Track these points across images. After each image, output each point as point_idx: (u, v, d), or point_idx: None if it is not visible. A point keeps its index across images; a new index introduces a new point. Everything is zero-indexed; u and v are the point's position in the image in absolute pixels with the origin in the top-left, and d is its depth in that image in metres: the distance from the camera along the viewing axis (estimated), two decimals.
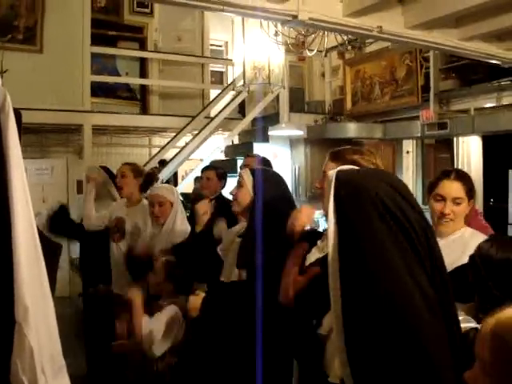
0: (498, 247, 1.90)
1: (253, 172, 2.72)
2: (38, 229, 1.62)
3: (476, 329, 1.71)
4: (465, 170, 7.79)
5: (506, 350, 1.00)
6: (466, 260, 2.03)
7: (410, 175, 8.84)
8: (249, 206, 2.64)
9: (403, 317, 1.37)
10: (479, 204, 7.83)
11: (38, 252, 1.64)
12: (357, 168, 1.71)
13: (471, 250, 2.25)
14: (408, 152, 8.94)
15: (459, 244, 2.27)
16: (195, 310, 2.62)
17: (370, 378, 1.38)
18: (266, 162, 4.98)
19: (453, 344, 1.42)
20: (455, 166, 7.89)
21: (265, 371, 2.17)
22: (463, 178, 2.51)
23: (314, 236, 2.27)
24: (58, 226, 4.52)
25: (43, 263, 1.64)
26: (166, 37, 9.60)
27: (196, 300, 2.67)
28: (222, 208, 4.76)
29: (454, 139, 7.91)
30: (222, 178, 5.10)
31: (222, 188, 5.11)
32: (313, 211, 2.32)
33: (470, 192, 2.48)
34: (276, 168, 5.20)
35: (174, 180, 8.37)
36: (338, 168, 1.60)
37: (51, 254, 1.70)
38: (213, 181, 5.04)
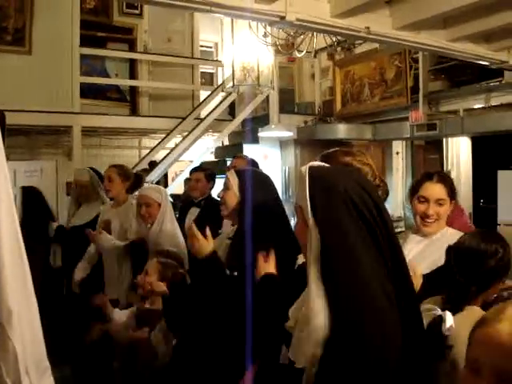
0: (470, 237, 2.04)
1: (238, 173, 2.71)
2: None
3: (440, 316, 1.83)
4: (454, 170, 7.85)
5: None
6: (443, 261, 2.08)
7: (399, 176, 8.88)
8: (236, 208, 2.63)
9: (361, 303, 1.44)
10: (469, 205, 7.87)
11: (21, 253, 1.63)
12: (327, 165, 1.76)
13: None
14: (397, 153, 8.97)
15: (441, 243, 2.31)
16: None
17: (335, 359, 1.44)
18: (253, 164, 4.98)
19: (407, 329, 1.47)
20: (444, 167, 7.94)
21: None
22: (445, 180, 2.61)
23: None
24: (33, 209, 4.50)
25: (27, 265, 1.63)
26: (156, 38, 9.59)
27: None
28: (210, 210, 4.77)
29: (444, 140, 7.95)
30: (211, 179, 5.10)
31: (211, 189, 5.11)
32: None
33: (452, 193, 2.58)
34: (266, 169, 5.20)
35: (164, 181, 8.36)
36: (309, 164, 1.65)
37: (34, 255, 1.69)
38: (201, 182, 5.04)
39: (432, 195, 2.53)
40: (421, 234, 2.57)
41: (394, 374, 1.41)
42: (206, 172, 5.12)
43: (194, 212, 5.00)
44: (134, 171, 6.89)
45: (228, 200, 2.67)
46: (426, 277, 2.17)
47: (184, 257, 3.59)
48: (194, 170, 5.30)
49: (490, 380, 1.04)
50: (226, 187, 2.69)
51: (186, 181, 6.70)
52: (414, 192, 2.61)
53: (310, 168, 1.60)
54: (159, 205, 3.85)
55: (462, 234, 2.46)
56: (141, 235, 3.93)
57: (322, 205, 1.51)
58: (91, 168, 4.84)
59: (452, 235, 2.46)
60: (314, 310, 1.47)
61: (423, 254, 2.47)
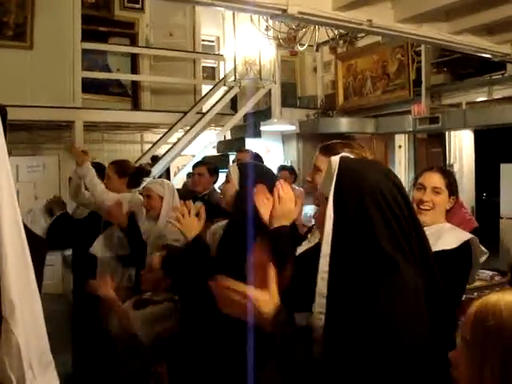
0: None
1: (240, 166, 2.71)
2: (24, 224, 1.61)
3: None
4: (457, 164, 7.84)
5: (484, 330, 1.01)
6: (436, 248, 2.07)
7: (402, 169, 8.86)
8: (233, 198, 2.63)
9: (385, 302, 1.38)
10: (471, 198, 7.87)
11: (24, 247, 1.63)
12: (359, 158, 1.75)
13: (445, 242, 2.35)
14: (400, 146, 8.95)
15: (435, 238, 2.28)
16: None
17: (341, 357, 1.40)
18: (256, 158, 4.98)
19: (436, 327, 1.43)
20: (447, 161, 7.93)
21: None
22: (444, 172, 2.65)
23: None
24: (59, 235, 4.47)
25: (30, 258, 1.63)
26: (158, 32, 9.56)
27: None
28: (213, 204, 4.76)
29: (446, 133, 7.95)
30: (214, 173, 5.09)
31: (214, 183, 5.10)
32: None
33: (451, 187, 2.58)
34: (268, 163, 5.19)
35: (166, 176, 8.36)
36: (341, 155, 1.63)
37: (37, 249, 1.69)
38: (204, 176, 5.02)
39: (429, 182, 2.56)
40: None
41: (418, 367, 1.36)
42: (209, 166, 5.10)
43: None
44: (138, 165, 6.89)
45: (227, 192, 2.68)
46: None
47: None
48: (197, 165, 5.28)
49: (459, 351, 1.07)
50: (227, 180, 2.70)
51: (189, 175, 6.71)
52: (414, 184, 2.65)
53: (341, 159, 1.58)
54: (161, 198, 3.85)
55: (459, 229, 2.48)
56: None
57: (349, 196, 1.48)
58: (95, 163, 4.83)
59: (448, 229, 2.48)
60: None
61: None
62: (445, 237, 2.40)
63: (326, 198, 1.53)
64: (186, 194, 5.13)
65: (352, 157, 1.74)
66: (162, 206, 3.87)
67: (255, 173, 2.60)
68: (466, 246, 2.43)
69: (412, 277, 1.42)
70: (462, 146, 7.89)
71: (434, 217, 2.53)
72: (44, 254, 2.06)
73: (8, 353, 1.59)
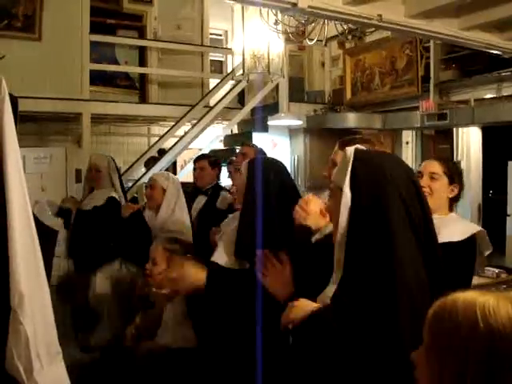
0: None
1: (250, 162, 2.67)
2: (33, 215, 1.61)
3: None
4: (464, 161, 7.80)
5: (440, 331, 0.98)
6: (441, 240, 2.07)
7: None
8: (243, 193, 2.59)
9: (394, 287, 1.42)
10: (478, 196, 7.83)
11: (33, 238, 1.63)
12: (374, 149, 1.78)
13: (451, 233, 2.35)
14: (407, 143, 8.91)
15: (439, 224, 2.27)
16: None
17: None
18: (261, 153, 4.93)
19: None
20: (454, 157, 7.88)
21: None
22: (443, 159, 2.70)
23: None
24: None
25: (39, 250, 1.63)
26: (166, 25, 9.55)
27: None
28: (217, 198, 4.75)
29: (454, 130, 7.90)
30: (215, 166, 5.00)
31: (217, 176, 5.05)
32: (318, 201, 2.29)
33: (450, 174, 2.60)
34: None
35: (172, 169, 8.36)
36: (355, 146, 1.65)
37: (46, 241, 1.69)
38: (206, 170, 4.91)
39: (426, 168, 2.61)
40: None
41: None
42: (210, 159, 5.02)
43: (200, 201, 4.90)
44: (145, 159, 6.90)
45: (240, 190, 2.64)
46: None
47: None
48: (198, 159, 5.17)
49: (420, 352, 1.04)
50: (237, 175, 2.67)
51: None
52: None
53: (356, 150, 1.60)
54: (164, 190, 3.85)
55: (467, 221, 2.48)
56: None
57: (366, 186, 1.51)
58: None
59: (456, 221, 2.48)
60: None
61: None
62: (451, 227, 2.40)
63: (340, 189, 1.55)
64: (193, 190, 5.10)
65: (365, 148, 1.76)
66: (164, 198, 3.87)
67: (268, 167, 2.57)
68: (472, 239, 2.43)
69: (417, 266, 1.46)
70: (469, 142, 7.84)
71: (434, 203, 2.44)
72: (53, 246, 2.07)
73: (16, 343, 1.60)
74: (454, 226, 2.45)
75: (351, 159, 1.55)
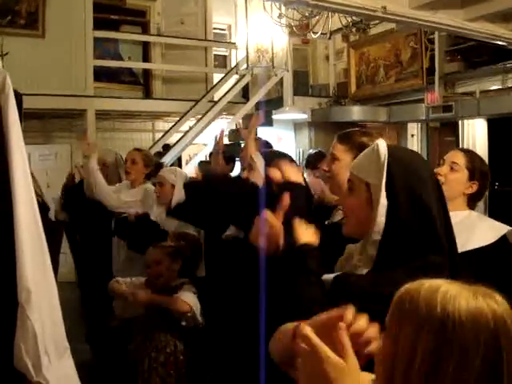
0: None
1: (262, 154, 2.64)
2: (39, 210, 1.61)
3: None
4: None
5: (400, 313, 0.99)
6: (472, 245, 2.05)
7: None
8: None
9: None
10: None
11: (40, 234, 1.63)
12: (400, 146, 1.78)
13: (480, 237, 2.24)
14: (413, 135, 8.89)
15: (464, 228, 2.12)
16: None
17: None
18: (267, 145, 4.93)
19: None
20: None
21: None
22: (469, 152, 2.57)
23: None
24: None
25: (46, 245, 1.63)
26: (169, 20, 9.53)
27: None
28: None
29: (459, 122, 7.86)
30: (230, 161, 5.06)
31: (231, 171, 5.08)
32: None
33: (473, 170, 2.42)
34: None
35: (178, 164, 8.35)
36: (381, 140, 1.62)
37: (53, 236, 1.69)
38: (220, 166, 4.94)
39: (449, 157, 2.47)
40: None
41: None
42: (225, 155, 5.04)
43: None
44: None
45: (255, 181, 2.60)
46: None
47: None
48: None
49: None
50: (251, 168, 2.61)
51: (200, 163, 6.68)
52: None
53: (389, 146, 1.57)
54: (173, 187, 3.85)
55: (490, 219, 2.41)
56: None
57: (405, 183, 1.50)
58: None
59: (478, 219, 2.38)
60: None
61: None
62: (476, 230, 2.27)
63: (365, 183, 1.54)
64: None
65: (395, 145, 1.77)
66: (174, 193, 3.87)
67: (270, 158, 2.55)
68: (503, 240, 2.27)
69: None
70: (475, 134, 7.80)
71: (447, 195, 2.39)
72: (60, 241, 2.06)
73: (24, 338, 1.60)
74: (480, 230, 2.31)
75: (386, 156, 1.53)
